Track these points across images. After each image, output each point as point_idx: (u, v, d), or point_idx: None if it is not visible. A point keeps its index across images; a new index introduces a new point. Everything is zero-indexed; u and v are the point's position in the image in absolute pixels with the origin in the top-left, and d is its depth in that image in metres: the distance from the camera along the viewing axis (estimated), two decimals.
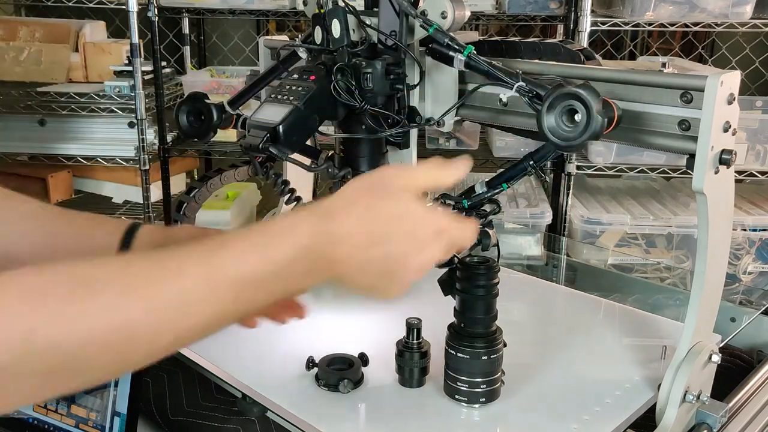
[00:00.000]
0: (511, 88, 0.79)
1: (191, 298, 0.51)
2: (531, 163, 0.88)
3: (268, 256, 0.54)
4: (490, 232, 0.90)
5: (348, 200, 0.58)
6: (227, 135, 2.38)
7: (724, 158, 0.74)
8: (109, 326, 0.48)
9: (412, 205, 0.58)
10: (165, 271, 0.51)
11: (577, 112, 0.72)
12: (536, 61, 0.92)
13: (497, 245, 0.91)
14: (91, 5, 2.39)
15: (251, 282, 0.53)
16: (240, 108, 1.14)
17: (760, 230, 2.20)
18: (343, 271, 0.58)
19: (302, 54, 1.01)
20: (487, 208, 0.92)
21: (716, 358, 0.86)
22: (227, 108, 1.13)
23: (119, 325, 0.48)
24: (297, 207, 0.86)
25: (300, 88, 0.88)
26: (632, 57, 3.44)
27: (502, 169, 0.92)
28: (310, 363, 0.92)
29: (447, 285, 0.88)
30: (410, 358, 0.90)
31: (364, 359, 0.93)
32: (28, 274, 0.48)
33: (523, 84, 0.78)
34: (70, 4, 2.41)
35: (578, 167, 2.22)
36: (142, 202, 2.38)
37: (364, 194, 0.58)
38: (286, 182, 0.95)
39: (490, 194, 0.90)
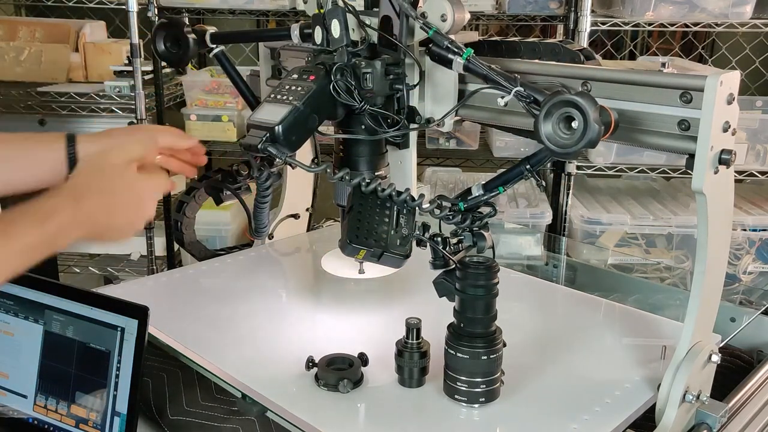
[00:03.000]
0: (509, 93, 0.79)
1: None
2: (527, 167, 0.88)
3: (44, 229, 0.78)
4: (486, 234, 0.91)
5: (86, 183, 0.84)
6: (227, 135, 2.38)
7: (724, 158, 0.74)
8: None
9: (132, 179, 0.86)
10: None
11: (574, 119, 0.72)
12: (536, 61, 0.92)
13: (492, 247, 0.92)
14: (91, 5, 2.39)
15: (33, 246, 0.77)
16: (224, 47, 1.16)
17: (760, 230, 2.20)
18: (94, 231, 0.83)
19: (294, 38, 1.02)
20: (483, 210, 0.92)
21: (716, 358, 0.87)
22: (208, 41, 1.13)
23: None
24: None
25: (299, 88, 0.88)
26: (632, 57, 3.44)
27: (502, 170, 0.92)
28: (310, 363, 0.92)
29: (442, 287, 0.89)
30: (410, 358, 0.90)
31: (363, 359, 0.93)
32: None
33: (521, 89, 0.78)
34: (70, 4, 2.41)
35: (578, 167, 2.22)
36: None
37: (96, 177, 0.85)
38: (271, 173, 0.97)
39: (486, 197, 0.90)
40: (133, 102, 2.28)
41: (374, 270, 1.10)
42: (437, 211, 0.90)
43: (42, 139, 1.01)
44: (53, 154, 0.98)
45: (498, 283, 0.85)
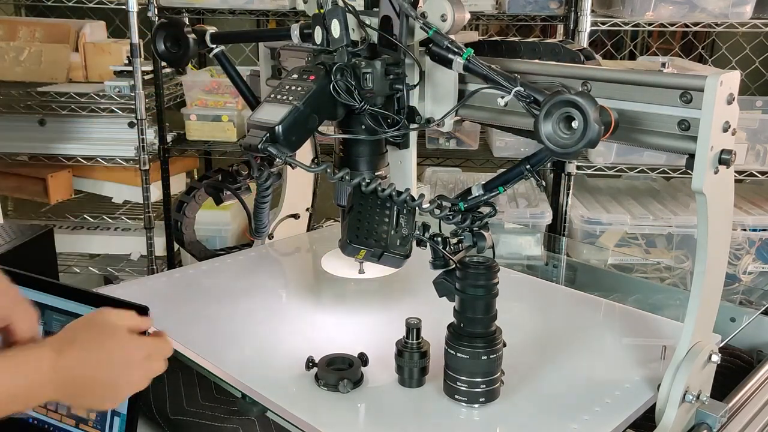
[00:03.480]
0: (509, 93, 0.79)
1: None
2: (527, 167, 0.88)
3: (17, 382, 0.69)
4: (486, 234, 0.91)
5: (73, 336, 0.74)
6: (227, 135, 2.38)
7: (724, 158, 0.74)
8: None
9: (123, 339, 0.76)
10: None
11: (574, 119, 0.72)
12: (536, 61, 0.92)
13: (492, 247, 0.92)
14: (91, 5, 2.39)
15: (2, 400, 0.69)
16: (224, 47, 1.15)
17: (760, 230, 2.20)
18: (72, 392, 0.73)
19: (294, 39, 1.02)
20: (483, 210, 0.92)
21: (716, 358, 0.87)
22: (208, 41, 1.13)
23: None
24: None
25: (299, 88, 0.88)
26: (632, 57, 3.44)
27: (502, 170, 0.92)
28: (310, 363, 0.92)
29: (442, 287, 0.89)
30: (410, 358, 0.90)
31: (363, 359, 0.93)
32: None
33: (521, 89, 0.78)
34: (70, 4, 2.41)
35: (578, 167, 2.22)
36: (142, 202, 2.39)
37: (85, 330, 0.76)
38: (271, 173, 0.96)
39: (486, 197, 0.90)
40: (133, 102, 2.28)
41: (374, 270, 1.10)
42: (437, 211, 0.90)
43: None
44: None
45: (498, 283, 0.85)
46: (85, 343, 0.74)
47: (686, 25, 2.17)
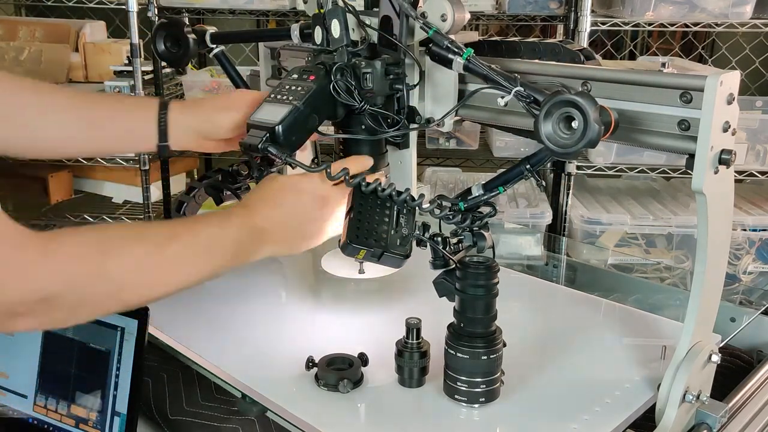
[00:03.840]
0: (509, 93, 0.79)
1: (185, 254, 0.78)
2: (527, 167, 0.88)
3: (224, 230, 0.81)
4: (486, 234, 0.91)
5: (262, 194, 0.87)
6: None
7: (724, 158, 0.74)
8: (142, 269, 0.73)
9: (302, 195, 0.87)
10: (171, 236, 0.77)
11: (574, 119, 0.72)
12: (536, 61, 0.92)
13: (492, 247, 0.92)
14: (91, 5, 2.39)
15: (218, 247, 0.81)
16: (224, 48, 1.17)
17: (760, 230, 2.20)
18: (270, 240, 0.86)
19: (294, 39, 1.03)
20: (483, 210, 0.92)
21: (716, 358, 0.87)
22: (208, 41, 1.14)
23: (148, 268, 0.74)
24: None
25: (299, 88, 0.88)
26: (632, 57, 3.44)
27: (502, 170, 0.92)
28: (310, 363, 0.92)
29: (442, 287, 0.89)
30: (410, 358, 0.90)
31: (363, 359, 0.93)
32: (99, 230, 0.75)
33: (521, 89, 0.78)
34: (70, 4, 2.41)
35: (578, 167, 2.22)
36: (142, 202, 2.38)
37: (263, 184, 0.88)
38: (271, 173, 0.99)
39: (486, 197, 0.90)
40: None
41: (374, 270, 1.10)
42: (437, 211, 0.90)
43: (133, 107, 1.00)
44: (143, 124, 0.97)
45: (498, 283, 0.85)
46: (260, 196, 0.87)
47: (686, 25, 2.18)
